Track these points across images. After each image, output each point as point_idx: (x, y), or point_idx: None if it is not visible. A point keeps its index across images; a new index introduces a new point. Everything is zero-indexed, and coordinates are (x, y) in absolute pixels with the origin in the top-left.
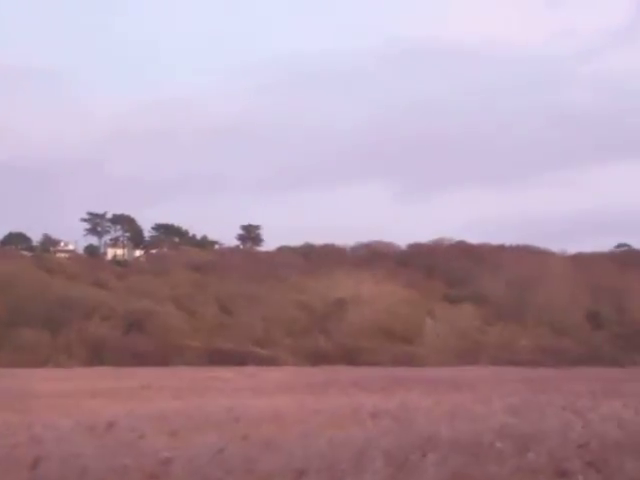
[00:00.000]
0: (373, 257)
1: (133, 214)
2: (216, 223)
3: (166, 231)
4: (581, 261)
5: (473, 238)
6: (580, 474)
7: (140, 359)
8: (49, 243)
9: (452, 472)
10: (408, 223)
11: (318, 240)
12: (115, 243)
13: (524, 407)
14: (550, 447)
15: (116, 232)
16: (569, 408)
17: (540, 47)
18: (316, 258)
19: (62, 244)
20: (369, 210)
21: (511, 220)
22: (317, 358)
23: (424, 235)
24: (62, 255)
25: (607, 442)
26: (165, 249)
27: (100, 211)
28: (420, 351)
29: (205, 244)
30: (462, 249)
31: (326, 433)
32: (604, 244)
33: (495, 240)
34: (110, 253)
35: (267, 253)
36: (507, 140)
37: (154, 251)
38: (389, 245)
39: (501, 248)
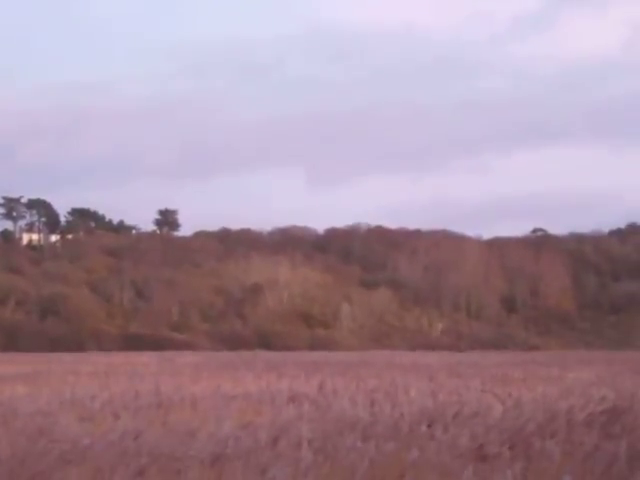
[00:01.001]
0: (289, 242)
1: (49, 199)
2: (133, 208)
3: (82, 216)
4: (497, 246)
5: (390, 223)
6: (504, 457)
7: (56, 344)
8: None
9: (376, 457)
10: (325, 208)
11: (235, 225)
12: (30, 228)
13: (442, 391)
14: (472, 431)
15: (32, 217)
16: (488, 392)
17: (456, 31)
18: (232, 243)
19: None
20: (286, 195)
21: (428, 205)
22: (234, 343)
23: (341, 220)
24: None
25: (528, 426)
26: (81, 234)
27: (15, 195)
28: (337, 335)
29: (121, 229)
30: (379, 234)
31: (244, 418)
32: (520, 229)
33: (412, 225)
34: (25, 238)
35: (184, 238)
36: (423, 125)
37: (70, 236)
38: (305, 230)
39: (417, 233)
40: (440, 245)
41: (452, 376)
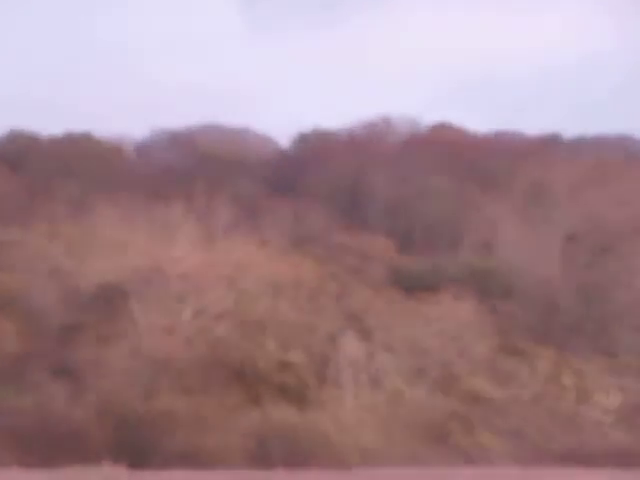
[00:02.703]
0: (204, 168)
1: None
2: None
3: None
4: None
5: (472, 121)
6: None
7: None
8: None
9: None
10: (294, 83)
11: (49, 125)
12: None
13: None
14: None
15: None
16: None
17: None
18: (44, 172)
19: None
20: (195, 52)
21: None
22: (49, 447)
23: (342, 112)
24: None
25: None
26: None
27: None
28: (324, 422)
29: None
30: (444, 146)
31: None
32: None
33: (534, 128)
34: None
35: None
36: None
37: None
38: (247, 140)
39: (550, 146)
40: (615, 179)
41: None
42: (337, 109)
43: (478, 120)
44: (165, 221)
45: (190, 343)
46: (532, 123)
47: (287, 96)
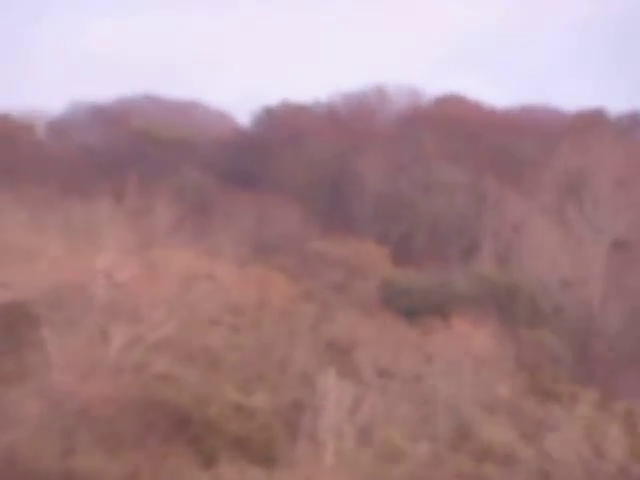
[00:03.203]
0: (139, 153)
1: None
2: None
3: None
4: None
5: (489, 92)
6: None
7: None
8: None
9: None
10: (259, 41)
11: None
12: None
13: None
14: None
15: None
16: None
17: None
18: None
19: None
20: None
21: None
22: None
23: (320, 80)
24: None
25: None
26: None
27: None
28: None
29: None
30: (453, 124)
31: None
32: None
33: (571, 102)
34: None
35: None
36: None
37: None
38: (192, 116)
39: (592, 125)
40: None
41: None
42: (313, 77)
43: (497, 91)
44: (87, 222)
45: (120, 382)
46: (568, 96)
47: (247, 61)
